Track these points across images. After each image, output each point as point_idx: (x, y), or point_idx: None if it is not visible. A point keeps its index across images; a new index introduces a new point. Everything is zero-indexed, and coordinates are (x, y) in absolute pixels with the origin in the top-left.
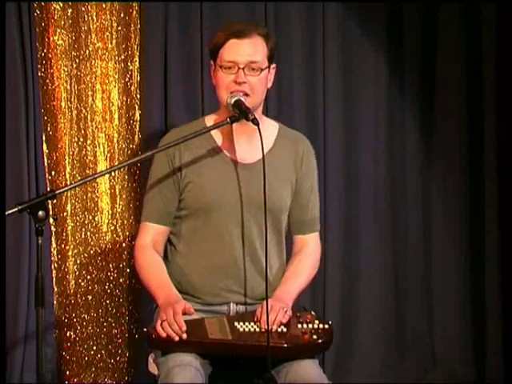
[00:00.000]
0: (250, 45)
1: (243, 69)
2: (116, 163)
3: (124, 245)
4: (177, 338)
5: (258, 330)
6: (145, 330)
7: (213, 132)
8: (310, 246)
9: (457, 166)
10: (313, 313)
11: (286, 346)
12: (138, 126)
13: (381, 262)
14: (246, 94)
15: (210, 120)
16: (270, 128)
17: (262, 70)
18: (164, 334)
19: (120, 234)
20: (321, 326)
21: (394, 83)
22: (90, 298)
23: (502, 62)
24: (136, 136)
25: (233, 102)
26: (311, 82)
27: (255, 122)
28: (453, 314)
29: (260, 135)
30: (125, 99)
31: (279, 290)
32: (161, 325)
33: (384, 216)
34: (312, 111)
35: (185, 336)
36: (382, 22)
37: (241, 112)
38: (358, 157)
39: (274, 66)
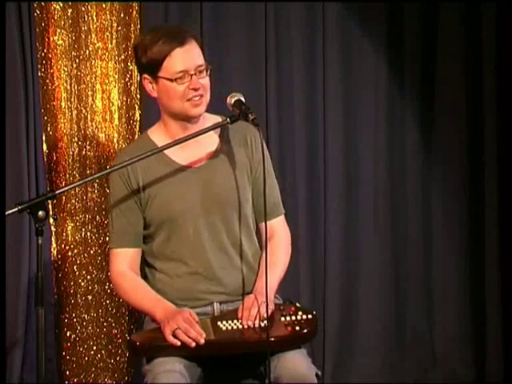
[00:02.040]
0: (192, 50)
1: (194, 74)
2: None
3: None
4: (193, 344)
5: (240, 326)
6: (128, 339)
7: (157, 142)
8: (278, 233)
9: (457, 166)
10: (298, 304)
11: (269, 339)
12: (137, 126)
13: (381, 262)
14: (201, 96)
15: (153, 133)
16: (215, 122)
17: (207, 70)
18: (178, 343)
19: None
20: (304, 316)
21: (394, 83)
22: (90, 298)
23: (502, 62)
24: (136, 136)
25: (233, 102)
26: (311, 82)
27: (255, 122)
28: (453, 314)
29: (260, 136)
30: (125, 99)
31: (258, 284)
32: (173, 334)
33: (384, 216)
34: (312, 111)
35: (203, 341)
36: (382, 22)
37: (241, 112)
38: (358, 157)
39: None
